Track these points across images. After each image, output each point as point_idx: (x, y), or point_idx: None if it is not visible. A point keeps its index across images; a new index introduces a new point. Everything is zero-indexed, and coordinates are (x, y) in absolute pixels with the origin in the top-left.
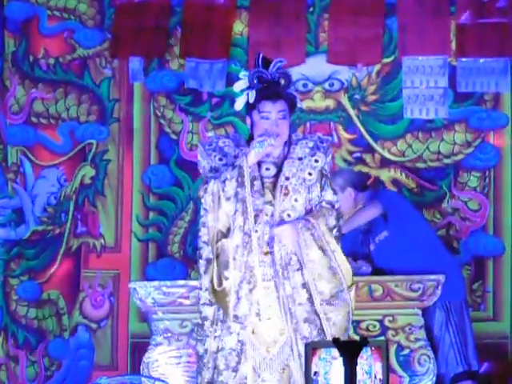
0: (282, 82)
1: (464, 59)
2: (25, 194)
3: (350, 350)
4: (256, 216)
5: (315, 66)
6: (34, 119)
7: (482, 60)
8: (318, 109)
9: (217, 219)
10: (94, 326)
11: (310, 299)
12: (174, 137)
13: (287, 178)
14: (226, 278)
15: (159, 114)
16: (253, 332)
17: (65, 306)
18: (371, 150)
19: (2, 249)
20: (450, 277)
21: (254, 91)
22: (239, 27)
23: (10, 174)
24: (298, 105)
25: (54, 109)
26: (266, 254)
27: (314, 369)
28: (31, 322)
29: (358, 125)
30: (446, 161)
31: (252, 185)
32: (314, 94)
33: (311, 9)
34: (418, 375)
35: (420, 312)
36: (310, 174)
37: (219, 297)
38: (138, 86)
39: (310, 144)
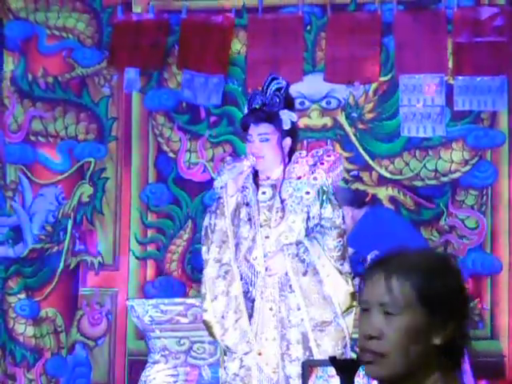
0: (275, 104)
1: (461, 77)
2: (23, 212)
3: (346, 369)
4: (239, 244)
5: (312, 84)
6: (32, 138)
7: (478, 78)
8: (315, 127)
9: (207, 252)
10: (91, 343)
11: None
12: (172, 155)
13: (283, 200)
14: (205, 310)
15: (157, 133)
16: (259, 354)
17: (62, 324)
18: (368, 168)
19: None
20: None
21: (243, 117)
22: (237, 46)
23: (8, 192)
24: (285, 127)
25: (52, 127)
26: (268, 275)
27: None
28: (29, 340)
29: (355, 143)
30: (444, 179)
31: (238, 212)
32: (311, 112)
33: (308, 27)
34: None
35: None
36: (307, 193)
37: (206, 327)
38: (137, 104)
39: (311, 161)
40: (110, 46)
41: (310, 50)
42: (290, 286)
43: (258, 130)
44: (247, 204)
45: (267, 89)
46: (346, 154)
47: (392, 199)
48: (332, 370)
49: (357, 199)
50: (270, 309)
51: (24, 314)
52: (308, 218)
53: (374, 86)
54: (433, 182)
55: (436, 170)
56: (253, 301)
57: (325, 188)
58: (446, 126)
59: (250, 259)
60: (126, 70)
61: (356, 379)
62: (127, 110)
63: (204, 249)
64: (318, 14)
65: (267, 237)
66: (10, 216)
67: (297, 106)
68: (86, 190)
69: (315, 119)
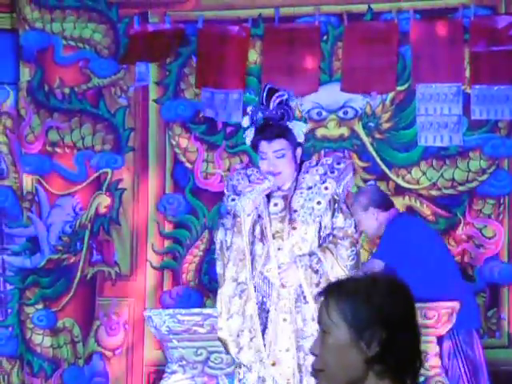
0: (283, 117)
1: (478, 86)
2: (40, 222)
3: None
4: (253, 261)
5: (329, 95)
6: (49, 148)
7: (495, 87)
8: (332, 137)
9: (224, 267)
10: (108, 353)
11: None
12: (189, 165)
13: (295, 211)
14: (220, 328)
15: (174, 143)
16: (273, 364)
17: (80, 334)
18: (385, 178)
19: (17, 277)
20: (465, 304)
21: (252, 131)
22: (253, 56)
23: (25, 202)
24: (299, 139)
25: (69, 138)
26: (282, 286)
27: None
28: (46, 351)
29: (372, 153)
30: (461, 188)
31: (253, 230)
32: (328, 122)
33: (325, 37)
34: None
35: (435, 339)
36: (318, 203)
37: (222, 344)
38: (153, 114)
39: (321, 170)
40: (125, 55)
41: (326, 59)
42: (305, 297)
43: (273, 147)
44: (259, 216)
45: (268, 102)
46: (363, 164)
47: (409, 208)
48: None
49: (384, 201)
50: (284, 320)
51: (41, 325)
52: (320, 228)
53: (391, 95)
54: (450, 192)
55: (453, 179)
56: (267, 312)
57: (336, 197)
58: (462, 135)
59: (264, 271)
60: (137, 64)
61: None
62: (144, 121)
63: (219, 263)
64: (334, 24)
65: (280, 248)
66: (27, 227)
67: (314, 116)
68: (102, 200)
69: (332, 129)
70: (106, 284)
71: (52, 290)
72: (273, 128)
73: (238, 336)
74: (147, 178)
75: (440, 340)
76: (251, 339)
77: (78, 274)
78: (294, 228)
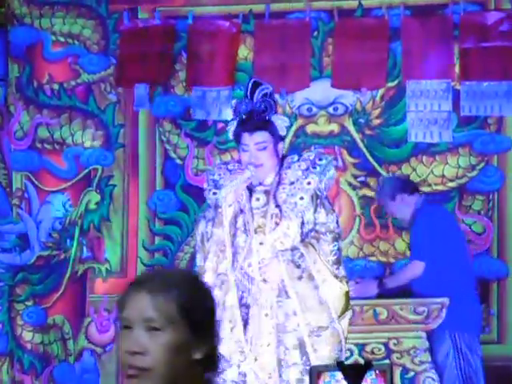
0: (266, 109)
1: (467, 83)
2: (30, 219)
3: (353, 374)
4: (236, 253)
5: (319, 91)
6: (38, 145)
7: (485, 84)
8: (322, 133)
9: (205, 259)
10: (99, 350)
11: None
12: (179, 162)
13: (277, 206)
14: None
15: (164, 140)
16: (255, 359)
17: (70, 331)
18: (376, 174)
19: (7, 274)
20: (472, 309)
21: (234, 123)
22: (244, 52)
23: (14, 199)
24: (281, 132)
25: (58, 134)
26: (263, 281)
27: None
28: (37, 347)
29: (363, 149)
30: (451, 184)
31: (235, 221)
32: (319, 118)
33: (315, 33)
34: None
35: (425, 335)
36: (301, 198)
37: None
38: (143, 111)
39: (303, 166)
40: (117, 57)
41: (317, 55)
42: (286, 292)
43: (255, 139)
44: (241, 211)
45: (252, 95)
46: (353, 160)
47: None
48: (339, 375)
49: (407, 185)
50: (266, 315)
51: (31, 322)
52: (302, 224)
53: (381, 91)
54: (440, 188)
55: (443, 176)
56: (248, 307)
57: (318, 193)
58: (452, 132)
59: (245, 266)
60: (136, 86)
61: None
62: (134, 117)
63: (199, 256)
64: (325, 20)
65: (262, 243)
66: (17, 223)
67: (304, 112)
68: (93, 197)
69: (322, 125)
70: (96, 281)
71: (42, 287)
72: (255, 120)
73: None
74: (137, 174)
75: (442, 337)
76: (231, 330)
77: (69, 270)
78: (277, 223)
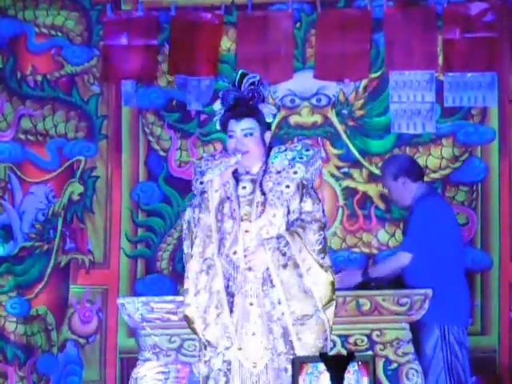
0: (253, 97)
1: (451, 74)
2: (13, 210)
3: (336, 365)
4: (223, 239)
5: (302, 82)
6: (21, 136)
7: (469, 74)
8: (305, 124)
9: (192, 245)
10: (82, 341)
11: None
12: (162, 153)
13: (263, 194)
14: (188, 305)
15: (148, 131)
16: (239, 348)
17: (53, 322)
18: (359, 165)
19: None
20: (463, 302)
21: (222, 111)
22: (226, 43)
23: None
24: (268, 120)
25: (41, 125)
26: (248, 269)
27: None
28: (20, 338)
29: (346, 140)
30: (434, 175)
31: (222, 207)
32: (302, 109)
33: (298, 24)
34: None
35: (408, 326)
36: (287, 186)
37: (187, 322)
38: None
39: (290, 155)
40: (101, 50)
41: (299, 47)
42: (271, 281)
43: (241, 126)
44: (228, 198)
45: (240, 84)
46: (336, 151)
47: (383, 196)
48: (322, 366)
49: (413, 171)
50: (251, 304)
51: (15, 312)
52: (288, 212)
53: (364, 82)
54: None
55: (426, 167)
56: (233, 296)
57: (304, 182)
58: (436, 123)
59: (230, 254)
60: (123, 82)
61: (346, 375)
62: (117, 109)
63: (186, 243)
64: (307, 11)
65: (247, 231)
66: (0, 214)
67: (287, 103)
68: (76, 188)
69: (305, 116)
70: (79, 272)
71: (25, 278)
72: (242, 107)
73: (204, 312)
74: (120, 166)
75: (430, 328)
76: (218, 315)
77: (52, 261)
78: (262, 211)
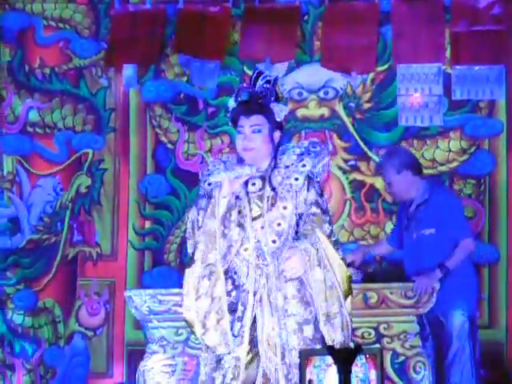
0: (266, 95)
1: (459, 67)
2: (20, 203)
3: (344, 358)
4: (230, 247)
5: (310, 75)
6: (29, 129)
7: (476, 67)
8: (312, 117)
9: (195, 248)
10: (89, 333)
11: (302, 311)
12: (170, 146)
13: (273, 189)
14: (187, 309)
15: (155, 124)
16: (269, 344)
17: (61, 314)
18: (366, 158)
19: None
20: (474, 293)
21: (234, 106)
22: (234, 36)
23: (5, 183)
24: (278, 118)
25: (49, 118)
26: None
27: (308, 377)
28: (27, 331)
29: (353, 133)
30: (441, 168)
31: (229, 215)
32: (309, 102)
33: (305, 17)
34: (413, 382)
35: (415, 319)
36: (296, 179)
37: (187, 325)
38: (134, 95)
39: (298, 151)
40: (108, 40)
41: (307, 39)
42: (285, 276)
43: (250, 122)
44: (237, 197)
45: (255, 82)
46: (343, 144)
47: None
48: (330, 359)
49: (415, 165)
50: (261, 300)
51: (22, 305)
52: (297, 205)
53: (371, 75)
54: (430, 172)
55: (434, 160)
56: (247, 292)
57: (311, 175)
58: (443, 116)
59: (241, 251)
60: (125, 66)
61: (353, 368)
62: (125, 101)
63: (190, 243)
64: (315, 4)
65: (263, 227)
66: (8, 207)
67: (294, 96)
68: (83, 180)
69: (313, 109)
70: (86, 264)
71: (33, 271)
72: (253, 104)
73: (204, 317)
74: (128, 158)
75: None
76: (218, 321)
77: (59, 254)
78: (273, 204)
